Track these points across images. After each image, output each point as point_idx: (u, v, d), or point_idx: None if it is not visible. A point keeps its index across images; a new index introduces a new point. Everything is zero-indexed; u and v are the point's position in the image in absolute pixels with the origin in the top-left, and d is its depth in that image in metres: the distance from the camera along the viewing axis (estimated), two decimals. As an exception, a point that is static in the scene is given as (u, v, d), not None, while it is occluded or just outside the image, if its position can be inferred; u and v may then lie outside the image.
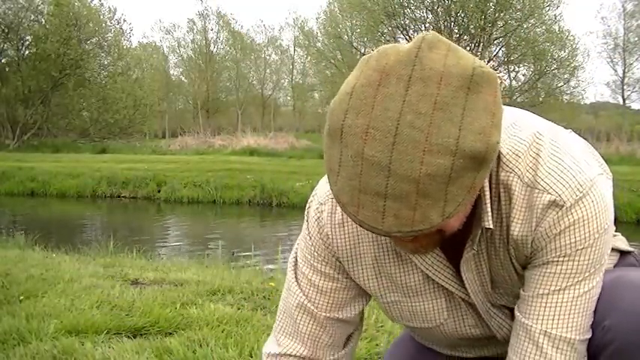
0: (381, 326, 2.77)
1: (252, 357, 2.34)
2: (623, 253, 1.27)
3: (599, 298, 1.08)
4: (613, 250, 1.23)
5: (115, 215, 13.93)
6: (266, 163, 17.78)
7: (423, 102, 0.85)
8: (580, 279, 1.05)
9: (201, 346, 2.41)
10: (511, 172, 1.04)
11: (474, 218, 1.05)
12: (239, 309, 3.08)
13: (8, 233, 7.54)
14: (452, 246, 1.10)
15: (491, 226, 1.04)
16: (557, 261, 1.04)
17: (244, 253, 6.63)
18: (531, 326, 1.08)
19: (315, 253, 1.21)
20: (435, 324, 1.23)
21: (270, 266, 5.87)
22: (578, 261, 1.04)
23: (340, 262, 1.21)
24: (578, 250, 1.03)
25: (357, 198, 0.88)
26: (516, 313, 1.12)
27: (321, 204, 1.20)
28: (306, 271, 1.23)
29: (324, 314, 1.22)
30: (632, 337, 1.02)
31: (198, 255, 6.87)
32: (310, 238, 1.21)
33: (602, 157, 1.18)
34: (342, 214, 1.17)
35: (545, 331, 1.06)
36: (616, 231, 1.24)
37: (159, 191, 14.97)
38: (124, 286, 3.54)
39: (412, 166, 0.84)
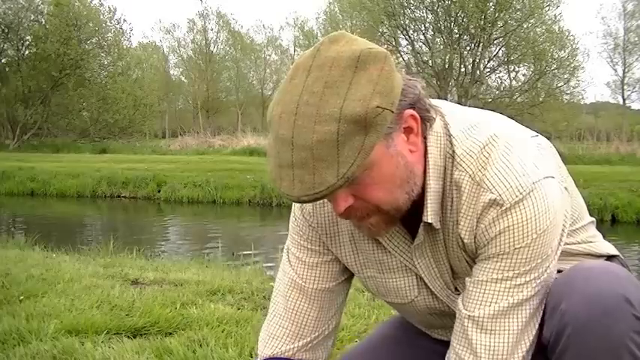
0: (381, 326, 2.76)
1: (252, 357, 2.34)
2: (608, 258, 1.31)
3: (557, 284, 1.13)
4: (594, 255, 1.29)
5: (115, 215, 13.94)
6: (266, 163, 17.76)
7: (316, 84, 1.01)
8: (517, 273, 1.12)
9: (201, 346, 2.41)
10: (463, 171, 1.13)
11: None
12: (239, 309, 3.08)
13: (8, 233, 7.54)
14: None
15: (430, 221, 1.14)
16: (497, 257, 1.12)
17: (244, 253, 6.63)
18: (461, 310, 1.17)
19: (301, 232, 1.33)
20: (407, 300, 1.31)
21: (270, 266, 5.87)
22: (516, 258, 1.11)
23: (323, 239, 1.31)
24: (516, 248, 1.10)
25: (278, 172, 1.04)
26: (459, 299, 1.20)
27: None
28: (295, 250, 1.34)
29: (312, 286, 1.32)
30: (584, 319, 1.07)
31: (198, 255, 6.87)
32: (296, 219, 1.34)
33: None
34: None
35: (471, 316, 1.14)
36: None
37: (159, 191, 14.96)
38: (124, 286, 3.54)
39: (306, 136, 0.99)
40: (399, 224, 1.20)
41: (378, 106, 0.99)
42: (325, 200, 1.25)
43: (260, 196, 13.96)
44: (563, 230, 1.15)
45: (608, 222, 11.54)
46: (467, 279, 1.18)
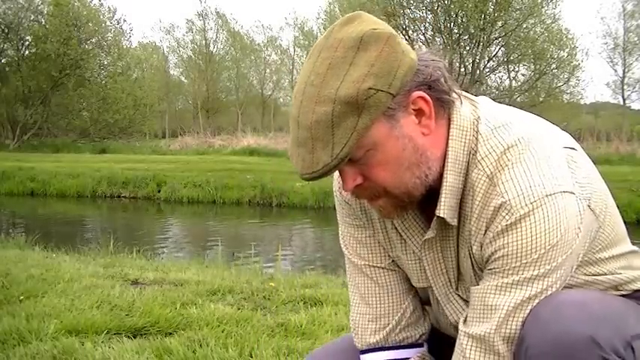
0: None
1: (252, 357, 2.34)
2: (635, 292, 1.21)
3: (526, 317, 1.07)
4: (618, 290, 1.19)
5: (115, 215, 13.93)
6: (266, 163, 17.78)
7: (322, 65, 1.04)
8: (519, 283, 1.06)
9: (201, 346, 2.41)
10: (482, 171, 1.09)
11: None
12: (239, 309, 3.08)
13: (8, 233, 7.53)
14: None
15: (443, 215, 1.11)
16: (501, 270, 1.07)
17: (244, 253, 6.63)
18: (460, 326, 1.14)
19: (345, 211, 1.33)
20: (427, 284, 1.27)
21: (270, 266, 5.87)
22: (520, 273, 1.05)
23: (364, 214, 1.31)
24: (522, 264, 1.05)
25: (290, 150, 1.09)
26: None
27: None
28: (345, 230, 1.34)
29: (369, 263, 1.30)
30: (546, 358, 1.01)
31: (198, 255, 6.87)
32: (339, 202, 1.34)
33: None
34: None
35: (469, 332, 1.10)
36: None
37: (159, 191, 14.95)
38: (124, 286, 3.54)
39: (307, 116, 1.03)
40: (417, 212, 1.19)
41: (370, 88, 1.00)
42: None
43: (260, 196, 13.96)
44: (577, 252, 1.08)
45: (608, 222, 11.52)
46: (472, 288, 1.13)
